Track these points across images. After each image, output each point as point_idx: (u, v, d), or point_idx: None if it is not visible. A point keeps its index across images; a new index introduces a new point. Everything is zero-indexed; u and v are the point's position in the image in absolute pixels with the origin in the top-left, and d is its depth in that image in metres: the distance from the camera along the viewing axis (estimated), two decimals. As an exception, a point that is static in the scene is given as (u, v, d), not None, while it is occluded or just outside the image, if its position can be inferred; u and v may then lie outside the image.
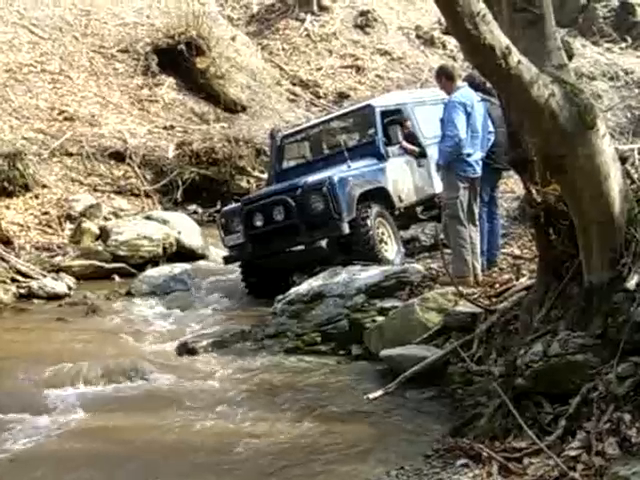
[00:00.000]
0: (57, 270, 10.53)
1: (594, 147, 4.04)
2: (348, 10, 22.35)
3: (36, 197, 12.71)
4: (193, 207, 14.31)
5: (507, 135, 5.48)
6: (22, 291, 9.85)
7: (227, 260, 9.69)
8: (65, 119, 14.95)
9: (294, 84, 19.85)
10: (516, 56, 3.75)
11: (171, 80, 17.13)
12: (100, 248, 11.12)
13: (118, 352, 7.10)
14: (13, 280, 9.95)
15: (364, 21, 21.95)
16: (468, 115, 7.04)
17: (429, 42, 22.11)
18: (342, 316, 6.92)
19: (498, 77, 3.92)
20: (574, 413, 3.93)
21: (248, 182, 14.76)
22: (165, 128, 15.83)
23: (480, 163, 7.22)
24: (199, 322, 8.43)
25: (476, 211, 7.25)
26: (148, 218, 12.20)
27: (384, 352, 5.93)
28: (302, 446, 4.76)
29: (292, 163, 10.51)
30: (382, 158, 9.39)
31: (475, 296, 6.11)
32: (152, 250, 11.19)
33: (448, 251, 7.09)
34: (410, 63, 21.28)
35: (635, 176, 4.60)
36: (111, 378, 6.33)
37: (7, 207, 12.18)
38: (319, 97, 19.66)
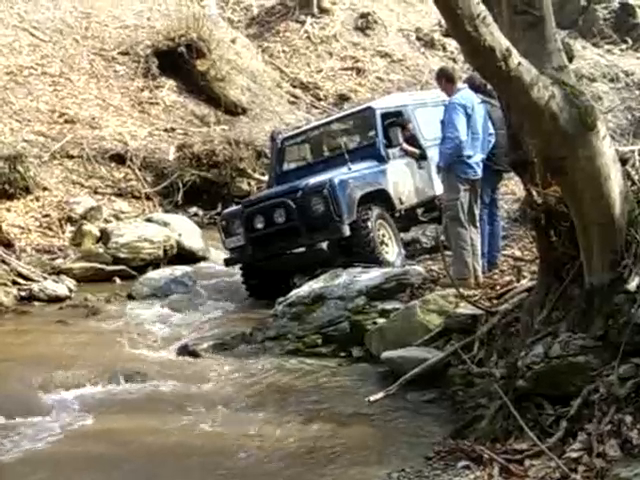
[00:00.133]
0: (58, 272, 10.53)
1: (594, 149, 4.04)
2: (348, 12, 22.36)
3: (37, 199, 12.72)
4: (194, 209, 14.31)
5: (507, 137, 5.48)
6: (23, 294, 9.85)
7: (228, 262, 9.70)
8: (66, 121, 14.96)
9: (294, 86, 19.86)
10: (516, 58, 3.76)
11: (171, 82, 17.14)
12: (101, 250, 11.12)
13: (119, 355, 7.09)
14: (14, 283, 9.95)
15: (364, 23, 21.96)
16: (468, 117, 7.04)
17: (429, 44, 22.12)
18: (343, 318, 6.92)
19: (498, 79, 3.92)
20: (575, 415, 3.93)
21: (249, 184, 14.77)
22: (166, 130, 15.84)
23: (480, 165, 7.22)
24: (200, 324, 8.43)
25: (477, 213, 7.26)
26: (149, 220, 12.21)
27: (385, 354, 5.93)
28: (303, 448, 4.76)
29: (293, 165, 10.51)
30: (383, 160, 9.39)
31: (476, 298, 6.11)
32: (153, 252, 11.19)
33: (449, 253, 7.09)
34: (410, 65, 21.29)
35: (635, 177, 4.59)
36: (112, 381, 6.33)
37: (8, 210, 12.19)
38: (319, 99, 19.67)
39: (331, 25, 21.75)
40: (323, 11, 21.91)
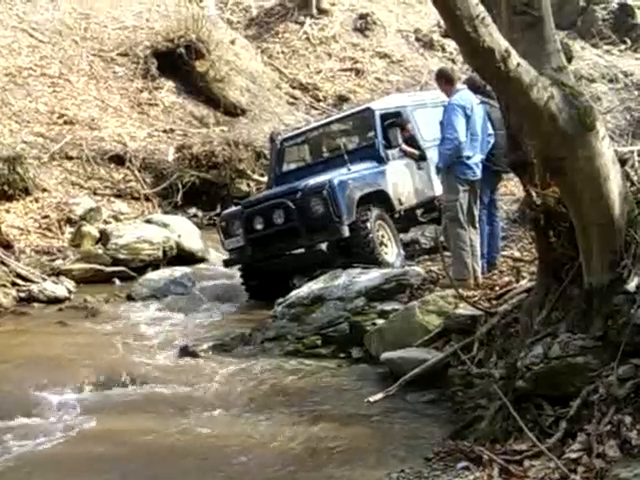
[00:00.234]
0: (57, 274, 10.53)
1: (594, 149, 4.04)
2: (347, 13, 22.38)
3: (36, 201, 12.72)
4: (193, 210, 14.31)
5: (507, 138, 5.48)
6: (22, 295, 9.85)
7: (227, 263, 9.70)
8: (65, 123, 14.97)
9: (294, 87, 19.87)
10: (515, 59, 3.76)
11: (170, 83, 17.15)
12: (100, 252, 11.12)
13: (118, 356, 7.09)
14: (13, 284, 9.95)
15: (363, 24, 21.97)
16: (467, 118, 7.04)
17: (428, 45, 22.13)
18: (342, 319, 6.92)
19: (497, 80, 3.92)
20: (575, 415, 3.93)
21: (248, 185, 14.77)
22: (165, 131, 15.84)
23: (480, 166, 7.22)
24: (199, 325, 8.43)
25: (476, 214, 7.25)
26: (148, 221, 12.21)
27: (384, 355, 5.93)
28: (302, 449, 4.76)
29: (292, 166, 10.51)
30: (382, 161, 9.39)
31: (475, 299, 6.11)
32: (152, 253, 11.19)
33: (448, 254, 7.09)
34: (409, 66, 21.30)
35: (635, 178, 4.60)
36: (111, 382, 6.32)
37: (7, 211, 12.19)
38: (319, 100, 19.68)
39: (330, 26, 21.76)
40: (322, 12, 21.92)
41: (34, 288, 9.88)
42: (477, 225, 7.25)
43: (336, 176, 8.83)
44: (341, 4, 22.48)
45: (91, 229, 11.78)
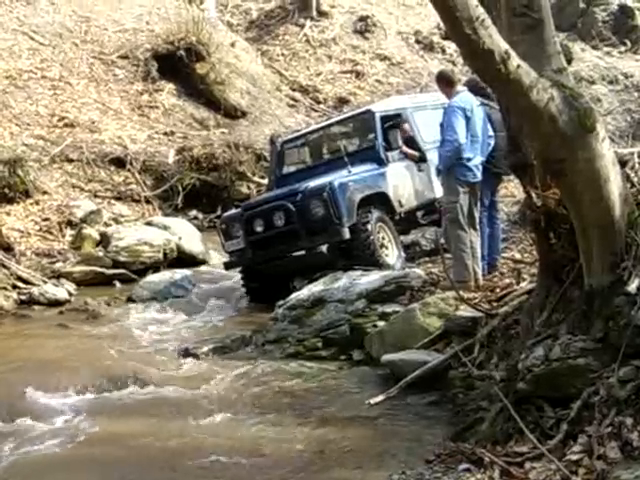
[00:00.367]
0: (58, 276, 10.53)
1: (594, 151, 4.04)
2: (347, 15, 22.39)
3: (37, 203, 12.72)
4: (193, 213, 14.32)
5: (507, 139, 5.48)
6: (23, 297, 9.85)
7: (228, 266, 9.70)
8: (65, 125, 14.97)
9: (294, 89, 19.88)
10: (515, 60, 3.76)
11: (171, 86, 17.16)
12: (101, 254, 11.13)
13: (119, 358, 7.09)
14: (14, 286, 9.96)
15: (363, 26, 21.99)
16: (468, 120, 7.04)
17: (428, 47, 22.14)
18: (343, 321, 6.92)
19: (497, 81, 3.92)
20: (576, 417, 3.93)
21: (248, 187, 14.78)
22: (165, 134, 15.85)
23: (480, 167, 7.22)
24: (200, 328, 8.44)
25: (476, 215, 7.25)
26: (149, 224, 12.22)
27: (385, 357, 5.92)
28: (303, 451, 4.76)
29: (292, 168, 10.52)
30: (382, 163, 9.40)
31: (476, 300, 6.10)
32: (153, 256, 11.19)
33: (449, 256, 7.09)
34: (409, 68, 21.31)
35: (635, 180, 4.59)
36: (112, 385, 6.32)
37: (8, 213, 12.20)
38: (319, 102, 19.68)
39: (330, 28, 21.77)
40: (322, 14, 21.93)
41: (35, 291, 9.89)
42: (477, 227, 7.25)
43: (336, 178, 8.83)
44: (341, 6, 22.50)
45: (92, 231, 11.79)
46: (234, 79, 17.86)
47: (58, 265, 10.94)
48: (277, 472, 4.52)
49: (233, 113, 17.23)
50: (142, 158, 14.69)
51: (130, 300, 9.86)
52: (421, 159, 9.65)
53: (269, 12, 22.51)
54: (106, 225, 12.40)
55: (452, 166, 7.09)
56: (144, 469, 4.77)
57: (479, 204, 7.33)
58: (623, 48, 22.57)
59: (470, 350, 5.44)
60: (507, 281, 6.60)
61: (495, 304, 5.93)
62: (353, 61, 21.11)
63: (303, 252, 8.98)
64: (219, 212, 13.30)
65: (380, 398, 5.30)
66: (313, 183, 8.92)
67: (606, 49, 22.40)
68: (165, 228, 11.89)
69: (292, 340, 7.01)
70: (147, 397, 6.10)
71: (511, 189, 11.06)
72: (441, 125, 7.24)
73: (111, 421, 5.59)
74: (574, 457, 3.71)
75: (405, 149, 9.56)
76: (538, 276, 5.06)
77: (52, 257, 11.28)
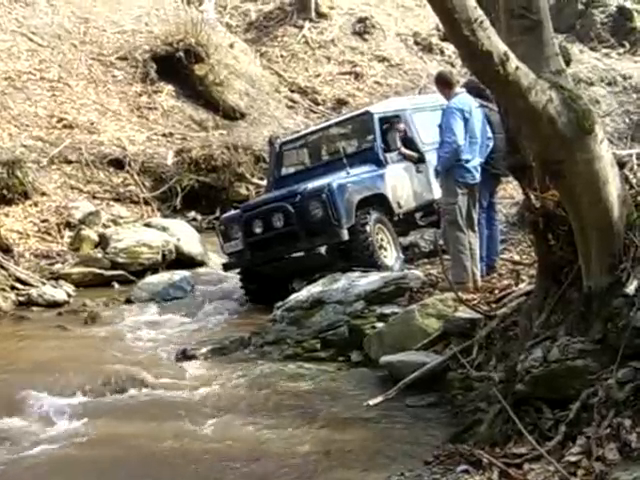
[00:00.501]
0: (56, 278, 10.53)
1: (592, 152, 4.04)
2: (346, 17, 22.39)
3: (35, 205, 12.72)
4: (192, 214, 14.32)
5: (506, 141, 5.49)
6: (21, 299, 9.85)
7: (226, 267, 9.70)
8: (64, 126, 14.97)
9: (293, 91, 19.88)
10: (514, 62, 3.76)
11: (170, 87, 17.16)
12: (99, 255, 11.13)
13: (117, 360, 7.08)
14: (12, 288, 9.95)
15: (362, 28, 21.99)
16: (466, 121, 7.04)
17: (427, 48, 22.15)
18: (342, 322, 6.91)
19: (496, 83, 3.93)
20: (574, 418, 3.93)
21: (247, 189, 14.78)
22: (164, 135, 15.86)
23: (479, 169, 7.22)
24: (198, 329, 8.43)
25: (475, 217, 7.25)
26: (147, 225, 12.22)
27: (384, 358, 5.92)
28: (301, 453, 4.75)
29: (291, 170, 10.52)
30: (381, 164, 9.40)
31: (474, 302, 6.11)
32: (151, 257, 11.19)
33: (447, 257, 7.09)
34: (408, 69, 21.31)
35: (633, 181, 4.60)
36: (111, 386, 6.31)
37: (6, 215, 12.19)
38: (318, 104, 19.68)
39: (329, 30, 21.78)
40: (321, 16, 21.93)
41: (33, 292, 9.89)
42: (476, 228, 7.25)
43: (335, 180, 8.83)
44: (340, 8, 22.50)
45: (90, 233, 11.79)
46: (233, 80, 17.87)
47: (57, 266, 10.94)
48: (276, 473, 4.52)
49: (232, 114, 17.23)
50: (141, 159, 14.69)
51: (129, 301, 9.86)
52: (420, 160, 9.65)
53: (268, 13, 22.52)
54: (105, 226, 12.39)
55: (451, 167, 7.10)
56: (142, 471, 4.76)
57: (478, 205, 7.33)
58: (622, 50, 22.60)
59: (469, 351, 5.44)
60: (506, 282, 6.61)
61: (494, 305, 5.94)
62: (352, 62, 21.11)
63: (302, 253, 8.98)
64: (218, 213, 13.29)
65: (379, 399, 5.30)
66: (312, 184, 8.92)
67: (605, 51, 22.43)
68: (164, 229, 11.89)
69: (291, 341, 7.01)
70: (145, 399, 6.09)
71: (510, 191, 11.06)
72: (440, 126, 7.25)
73: (109, 423, 5.59)
74: (573, 458, 3.70)
75: (404, 150, 9.56)
76: (537, 277, 5.06)
77: (51, 258, 11.28)
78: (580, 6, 23.18)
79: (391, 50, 21.77)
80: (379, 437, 4.90)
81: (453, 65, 19.65)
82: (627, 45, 22.64)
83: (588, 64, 21.37)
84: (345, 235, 8.59)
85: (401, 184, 9.49)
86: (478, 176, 7.20)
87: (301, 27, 21.65)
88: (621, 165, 4.55)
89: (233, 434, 5.20)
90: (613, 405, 3.80)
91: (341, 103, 19.58)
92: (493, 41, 3.69)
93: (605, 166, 4.09)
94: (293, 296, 7.75)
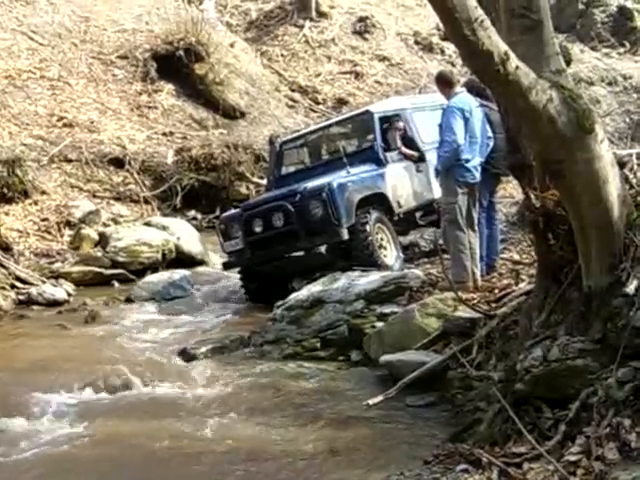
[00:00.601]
0: (56, 276, 10.53)
1: (592, 152, 4.04)
2: (347, 16, 22.40)
3: (35, 203, 12.73)
4: (192, 213, 14.33)
5: (506, 140, 5.49)
6: (21, 297, 9.85)
7: (226, 266, 9.70)
8: (64, 125, 14.98)
9: (293, 90, 19.88)
10: (514, 62, 3.76)
11: (170, 86, 17.16)
12: (99, 254, 11.13)
13: (117, 359, 7.08)
14: (12, 286, 9.96)
15: (363, 27, 21.99)
16: (466, 121, 7.04)
17: (427, 48, 22.15)
18: (342, 322, 6.91)
19: (496, 82, 3.92)
20: (574, 418, 3.93)
21: (247, 188, 14.78)
22: (164, 134, 15.86)
23: (479, 168, 7.22)
24: (198, 328, 8.43)
25: (475, 216, 7.25)
26: (147, 224, 12.22)
27: (384, 358, 5.92)
28: (301, 452, 4.75)
29: (291, 169, 10.52)
30: (381, 164, 9.40)
31: (474, 301, 6.11)
32: (151, 256, 11.19)
33: (447, 256, 7.09)
34: (409, 69, 21.32)
35: (634, 181, 4.59)
36: (111, 385, 6.31)
37: (6, 213, 12.20)
38: (318, 103, 19.69)
39: (329, 29, 21.78)
40: (321, 15, 21.94)
41: (33, 291, 9.89)
42: (476, 228, 7.25)
43: (335, 179, 8.83)
44: (340, 7, 22.51)
45: (90, 232, 11.79)
46: (233, 79, 17.87)
47: (57, 265, 10.94)
48: (275, 473, 4.52)
49: (232, 113, 17.24)
50: (141, 158, 14.70)
51: (129, 300, 9.86)
52: (420, 159, 9.65)
53: (268, 13, 22.52)
54: (105, 225, 12.40)
55: (451, 167, 7.09)
56: (142, 471, 4.76)
57: (478, 205, 7.33)
58: (622, 49, 22.61)
59: (468, 351, 5.44)
60: (505, 282, 6.61)
61: (494, 305, 5.93)
62: (352, 62, 21.11)
63: (302, 253, 8.99)
64: (218, 212, 13.29)
65: (378, 399, 5.30)
66: (312, 184, 8.92)
67: (605, 50, 22.43)
68: (164, 228, 11.89)
69: (291, 341, 7.01)
70: (145, 398, 6.09)
71: (510, 190, 11.07)
72: (440, 126, 7.25)
73: (109, 422, 5.59)
74: (572, 458, 3.70)
75: (404, 149, 9.56)
76: (537, 277, 5.05)
77: (51, 257, 11.29)
78: (581, 6, 23.18)
79: (391, 49, 21.77)
80: (378, 436, 4.90)
81: (453, 64, 19.66)
82: (627, 45, 22.64)
83: (588, 64, 21.38)
84: (345, 234, 8.59)
85: (401, 183, 9.49)
86: (478, 175, 7.20)
87: (301, 26, 21.65)
88: (621, 165, 4.54)
89: (233, 433, 5.20)
90: (613, 405, 3.80)
91: (341, 102, 19.60)
92: (493, 40, 3.69)
93: (605, 166, 4.09)
94: (293, 295, 7.75)
